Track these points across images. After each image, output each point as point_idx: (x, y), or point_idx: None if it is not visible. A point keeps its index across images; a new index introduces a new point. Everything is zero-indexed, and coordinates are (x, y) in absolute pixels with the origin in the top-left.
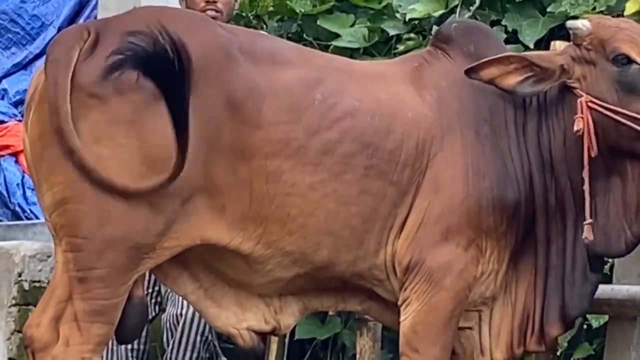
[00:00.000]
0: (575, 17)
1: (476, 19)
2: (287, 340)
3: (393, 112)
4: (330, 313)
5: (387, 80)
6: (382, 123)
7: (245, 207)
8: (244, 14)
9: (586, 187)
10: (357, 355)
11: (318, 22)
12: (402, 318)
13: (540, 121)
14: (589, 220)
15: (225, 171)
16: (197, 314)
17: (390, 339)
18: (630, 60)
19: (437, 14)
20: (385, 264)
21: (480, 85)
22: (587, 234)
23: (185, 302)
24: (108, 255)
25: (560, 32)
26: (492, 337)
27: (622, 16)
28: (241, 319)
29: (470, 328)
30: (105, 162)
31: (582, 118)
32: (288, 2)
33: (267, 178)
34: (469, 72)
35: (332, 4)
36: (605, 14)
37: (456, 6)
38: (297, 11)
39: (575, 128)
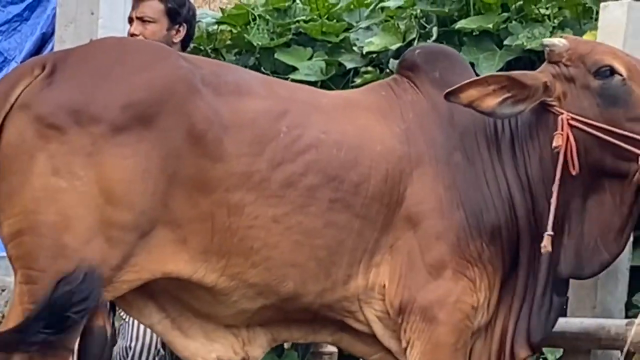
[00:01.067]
0: (531, 51)
1: None
2: None
3: (360, 144)
4: (286, 346)
5: (354, 111)
6: (348, 156)
7: (207, 240)
8: (201, 48)
9: (553, 200)
10: None
11: (275, 56)
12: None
13: (514, 144)
14: (549, 232)
15: (186, 204)
16: (145, 347)
17: None
18: (613, 72)
19: (394, 47)
20: (357, 296)
21: (449, 113)
22: (546, 242)
23: (134, 335)
24: None
25: (517, 64)
26: None
27: None
28: (210, 349)
29: None
30: (63, 195)
31: (562, 135)
32: (245, 35)
33: (229, 211)
34: (448, 96)
35: (289, 37)
36: None
37: (413, 39)
38: (255, 44)
39: (554, 144)
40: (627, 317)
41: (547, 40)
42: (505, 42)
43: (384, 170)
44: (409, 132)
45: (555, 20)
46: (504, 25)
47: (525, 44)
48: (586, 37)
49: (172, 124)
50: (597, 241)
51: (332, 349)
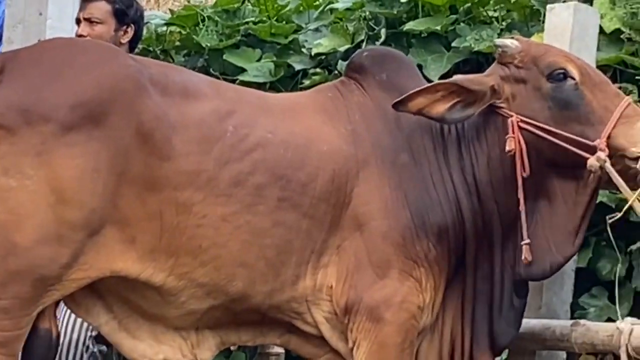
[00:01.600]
0: (479, 52)
1: None
2: None
3: (307, 144)
4: (233, 348)
5: (302, 112)
6: (295, 155)
7: (156, 238)
8: (150, 49)
9: (522, 207)
10: None
11: (224, 57)
12: None
13: (460, 145)
14: (526, 241)
15: (135, 203)
16: (73, 343)
17: None
18: (566, 76)
19: (342, 48)
20: (305, 297)
21: (395, 114)
22: (526, 254)
23: (62, 331)
24: (12, 287)
25: (465, 67)
26: None
27: None
28: (157, 351)
29: None
30: (13, 194)
31: (514, 138)
32: (194, 36)
33: (178, 210)
34: (396, 106)
35: (238, 38)
36: None
37: (362, 41)
38: (204, 45)
39: (507, 148)
40: (572, 318)
41: (499, 41)
42: (453, 44)
43: (330, 170)
44: (356, 134)
45: (503, 23)
46: (452, 27)
47: (473, 45)
48: (533, 39)
49: (120, 123)
50: (550, 243)
51: (279, 349)
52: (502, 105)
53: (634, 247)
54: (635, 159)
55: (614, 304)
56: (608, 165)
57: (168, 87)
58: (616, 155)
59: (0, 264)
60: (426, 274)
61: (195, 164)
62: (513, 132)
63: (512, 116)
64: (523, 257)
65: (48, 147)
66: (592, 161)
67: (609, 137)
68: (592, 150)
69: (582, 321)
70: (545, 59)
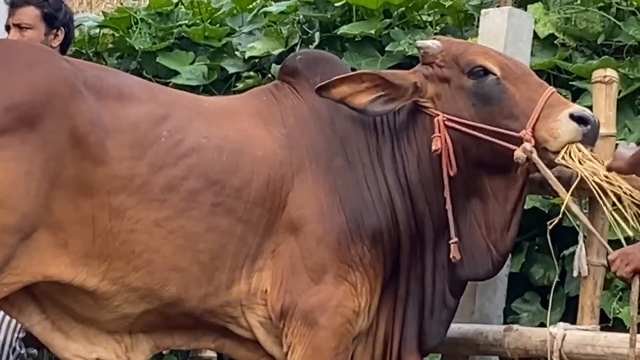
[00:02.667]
0: (413, 57)
1: None
2: None
3: (241, 149)
4: (165, 352)
5: (236, 117)
6: (229, 160)
7: (89, 243)
8: (83, 51)
9: (448, 206)
10: None
11: (158, 59)
12: None
13: (393, 147)
14: (454, 240)
15: (68, 207)
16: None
17: None
18: (486, 72)
19: (276, 52)
20: (240, 302)
21: (330, 118)
22: (454, 252)
23: None
24: None
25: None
26: None
27: None
28: (90, 350)
29: None
30: None
31: (440, 137)
32: (127, 39)
33: (111, 214)
34: (319, 90)
35: (171, 41)
36: None
37: (296, 44)
38: (137, 48)
39: (433, 148)
40: (505, 323)
41: (420, 42)
42: (387, 48)
43: (265, 175)
44: (290, 137)
45: (437, 27)
46: (386, 32)
47: (407, 50)
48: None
49: (54, 126)
50: (488, 242)
51: (212, 353)
52: (428, 104)
53: (567, 252)
54: (556, 152)
55: (547, 309)
56: (535, 156)
57: (102, 90)
58: (540, 148)
59: None
60: (362, 278)
61: (129, 169)
62: (439, 131)
63: (438, 115)
64: (451, 256)
65: None
66: (518, 152)
67: (533, 129)
68: (519, 142)
69: (515, 326)
70: (465, 57)
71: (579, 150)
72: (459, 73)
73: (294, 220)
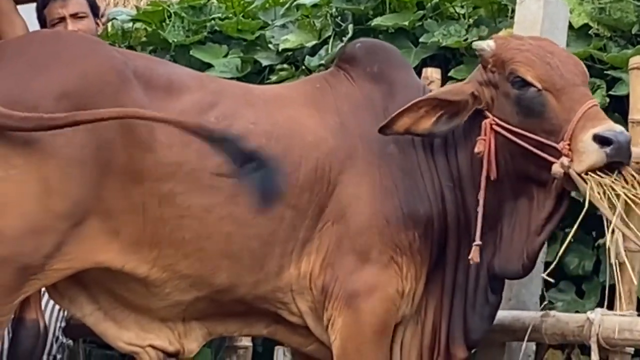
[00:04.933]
0: (447, 48)
1: None
2: None
3: (290, 134)
4: None
5: (287, 104)
6: (278, 145)
7: (139, 230)
8: (116, 45)
9: (480, 209)
10: None
11: (191, 53)
12: (331, 339)
13: (448, 139)
14: (477, 242)
15: (118, 194)
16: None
17: None
18: (526, 84)
19: (309, 44)
20: (290, 287)
21: (384, 106)
22: (474, 255)
23: None
24: None
25: (433, 62)
26: (403, 356)
27: None
28: (144, 337)
29: None
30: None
31: (485, 140)
32: (161, 32)
33: (161, 201)
34: (382, 130)
35: (205, 34)
36: None
37: (329, 37)
38: (170, 41)
39: (476, 150)
40: (542, 310)
41: (476, 43)
42: (420, 40)
43: (314, 159)
44: (343, 124)
45: (471, 19)
46: (420, 23)
47: (440, 41)
48: (501, 34)
49: None
50: (523, 245)
51: (247, 343)
52: (483, 107)
53: (601, 241)
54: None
55: (582, 298)
56: (572, 171)
57: (152, 80)
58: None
59: None
60: (408, 263)
61: (178, 155)
62: (485, 134)
63: (487, 118)
64: (470, 257)
65: (34, 137)
66: (556, 167)
67: (570, 142)
68: (558, 154)
69: (552, 312)
70: (509, 65)
71: (601, 176)
72: (505, 80)
73: (344, 205)
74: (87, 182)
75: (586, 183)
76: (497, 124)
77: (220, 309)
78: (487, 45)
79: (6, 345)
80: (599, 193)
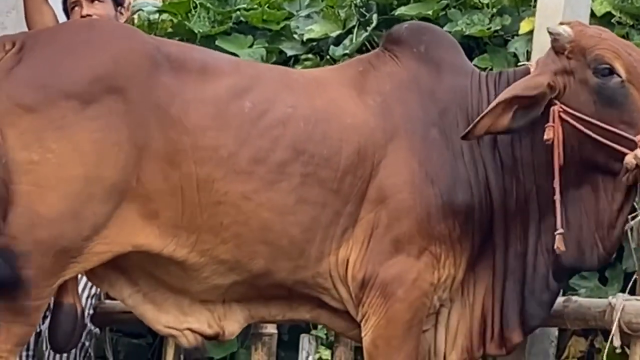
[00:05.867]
0: (470, 37)
1: (373, 39)
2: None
3: (329, 117)
4: None
5: (326, 87)
6: (317, 129)
7: (178, 214)
8: None
9: (557, 197)
10: None
11: (217, 43)
12: (363, 334)
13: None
14: (560, 230)
15: (157, 177)
16: None
17: (283, 356)
18: (612, 72)
19: (334, 34)
20: (330, 273)
21: (430, 88)
22: (559, 244)
23: None
24: (35, 257)
25: None
26: (448, 339)
27: (517, 36)
28: (182, 320)
29: (424, 331)
30: (36, 167)
31: (553, 127)
32: (187, 23)
33: (199, 186)
34: (466, 137)
35: (230, 25)
36: (500, 34)
37: (353, 27)
38: (196, 32)
39: (545, 137)
40: (564, 295)
41: (552, 28)
42: (444, 29)
43: (355, 142)
44: (385, 105)
45: (494, 8)
46: (443, 12)
47: (464, 30)
48: (524, 24)
49: (138, 97)
50: (595, 235)
51: (272, 330)
52: (556, 95)
53: (626, 227)
54: None
55: (604, 285)
56: None
57: (186, 64)
58: None
59: (25, 234)
60: (446, 251)
61: (213, 139)
62: (554, 121)
63: (555, 105)
64: (555, 247)
65: (69, 121)
66: (629, 158)
67: None
68: (633, 146)
69: (574, 297)
70: (592, 51)
71: None
72: (585, 67)
73: (385, 189)
74: (124, 164)
75: None
76: (565, 112)
77: (261, 293)
78: (563, 30)
79: (45, 328)
80: None
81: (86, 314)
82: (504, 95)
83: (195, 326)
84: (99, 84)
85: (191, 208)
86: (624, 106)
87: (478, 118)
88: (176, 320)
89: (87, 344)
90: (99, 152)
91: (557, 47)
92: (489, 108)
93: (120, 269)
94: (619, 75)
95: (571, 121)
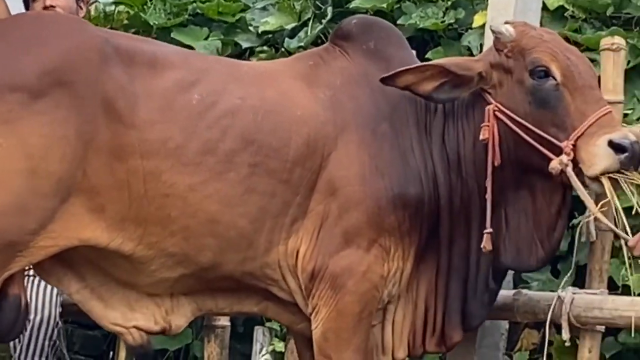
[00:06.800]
0: (424, 30)
1: (328, 32)
2: None
3: (279, 109)
4: None
5: (276, 79)
6: (266, 120)
7: (125, 208)
8: None
9: (488, 196)
10: None
11: (172, 35)
12: (313, 326)
13: (447, 122)
14: (489, 230)
15: (103, 171)
16: (44, 320)
17: (237, 348)
18: (547, 74)
19: (289, 26)
20: (278, 263)
21: (380, 83)
22: (486, 243)
23: (32, 308)
24: None
25: (411, 43)
26: (395, 335)
27: (471, 29)
28: (129, 318)
29: (372, 326)
30: None
31: (488, 127)
32: (142, 15)
33: (145, 178)
34: (384, 81)
35: (186, 17)
36: (454, 28)
37: (309, 19)
38: (152, 24)
39: (481, 137)
40: (515, 288)
41: (495, 26)
42: (398, 22)
43: (305, 134)
44: (335, 99)
45: (448, 1)
46: (398, 5)
47: (418, 23)
48: (477, 17)
49: (86, 91)
50: (534, 236)
51: (225, 322)
52: (489, 91)
53: (576, 221)
54: (593, 179)
55: (556, 278)
56: (569, 170)
57: (135, 57)
58: (578, 165)
59: None
60: (396, 244)
61: (161, 132)
62: (489, 121)
63: (491, 104)
64: (482, 245)
65: (15, 115)
66: (554, 163)
67: (576, 143)
68: (559, 152)
69: (524, 291)
70: (531, 53)
71: (616, 180)
72: (523, 68)
73: (335, 181)
74: (71, 158)
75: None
76: (500, 111)
77: (209, 285)
78: (505, 29)
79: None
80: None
81: (57, 311)
82: (436, 61)
83: (142, 323)
84: (47, 77)
85: (138, 201)
86: (556, 109)
87: (401, 69)
88: (123, 318)
89: (57, 342)
90: (46, 146)
91: (499, 46)
92: (415, 65)
93: (68, 264)
94: (554, 78)
95: (505, 121)
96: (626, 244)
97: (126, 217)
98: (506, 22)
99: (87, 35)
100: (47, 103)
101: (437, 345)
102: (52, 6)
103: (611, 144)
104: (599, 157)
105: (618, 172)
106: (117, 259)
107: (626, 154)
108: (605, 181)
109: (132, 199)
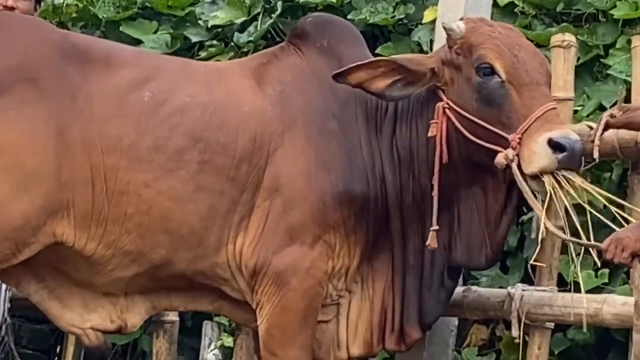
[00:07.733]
0: (374, 25)
1: (278, 26)
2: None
3: (227, 106)
4: None
5: (227, 78)
6: (214, 117)
7: (89, 205)
8: (47, 21)
9: (435, 193)
10: (154, 357)
11: (121, 28)
12: (258, 323)
13: (400, 120)
14: (435, 227)
15: (72, 165)
16: None
17: (186, 342)
18: (493, 72)
19: (239, 21)
20: (228, 263)
21: (331, 81)
22: (431, 241)
23: None
24: None
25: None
26: (350, 331)
27: (421, 24)
28: (85, 319)
29: (326, 322)
30: None
31: (437, 124)
32: (91, 8)
33: (106, 175)
34: (336, 77)
35: (135, 10)
36: (404, 23)
37: (258, 14)
38: (100, 17)
39: (429, 134)
40: (464, 284)
41: (446, 24)
42: (348, 17)
43: (252, 130)
44: (284, 95)
45: None
46: (348, 0)
47: (368, 18)
48: (428, 13)
49: (49, 86)
50: (484, 234)
51: (174, 317)
52: (442, 88)
53: (525, 217)
54: (533, 177)
55: (506, 274)
56: (514, 165)
57: (91, 55)
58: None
59: None
60: (341, 241)
61: (117, 129)
62: (438, 118)
63: (442, 101)
64: (427, 243)
65: None
66: (499, 158)
67: (521, 139)
68: (507, 145)
69: (473, 287)
70: (477, 50)
71: (555, 178)
72: (470, 65)
73: (281, 177)
74: (42, 152)
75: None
76: (450, 108)
77: (163, 284)
78: (456, 26)
79: None
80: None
81: (6, 307)
82: (389, 57)
83: (98, 322)
84: (9, 75)
85: (100, 198)
86: (502, 107)
87: (353, 65)
88: (80, 319)
89: (6, 338)
90: (16, 142)
91: (450, 42)
92: (367, 60)
93: (28, 266)
94: (499, 76)
95: (453, 118)
96: (571, 242)
97: (90, 215)
98: (461, 19)
99: (46, 33)
100: (11, 100)
101: (396, 343)
102: (12, 7)
103: (550, 143)
104: (537, 155)
105: (558, 170)
106: (77, 260)
107: (565, 154)
108: (546, 179)
109: (94, 195)
